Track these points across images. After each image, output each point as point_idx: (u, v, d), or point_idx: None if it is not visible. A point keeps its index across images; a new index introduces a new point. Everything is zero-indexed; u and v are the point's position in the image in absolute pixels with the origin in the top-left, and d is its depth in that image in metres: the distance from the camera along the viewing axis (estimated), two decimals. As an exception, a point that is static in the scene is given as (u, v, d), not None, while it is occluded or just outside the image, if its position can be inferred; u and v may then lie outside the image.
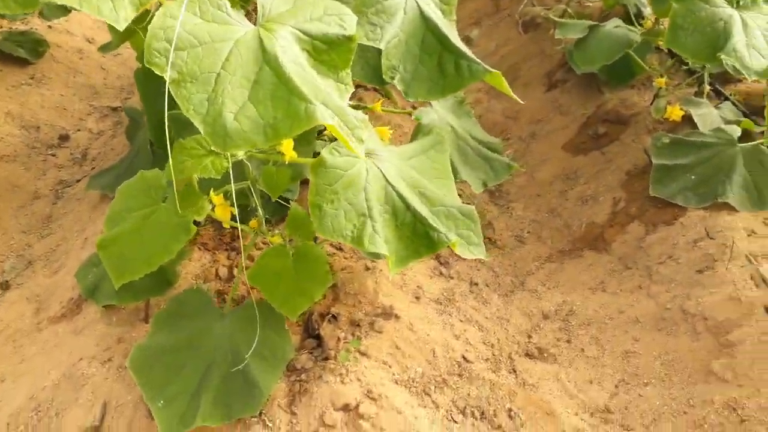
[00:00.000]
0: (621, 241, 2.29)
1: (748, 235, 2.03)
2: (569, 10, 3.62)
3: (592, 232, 2.43)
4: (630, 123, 2.69)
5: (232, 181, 1.41)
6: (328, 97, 1.25)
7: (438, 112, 2.24)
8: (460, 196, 2.80)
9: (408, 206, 1.49)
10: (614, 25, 2.61)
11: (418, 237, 1.49)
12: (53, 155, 2.92)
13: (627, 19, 3.13)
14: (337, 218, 1.39)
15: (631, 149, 2.57)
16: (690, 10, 1.95)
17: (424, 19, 1.69)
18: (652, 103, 2.68)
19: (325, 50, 1.32)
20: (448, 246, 1.54)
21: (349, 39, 1.32)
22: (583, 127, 2.87)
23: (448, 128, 2.21)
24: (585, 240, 2.42)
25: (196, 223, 1.82)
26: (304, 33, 1.29)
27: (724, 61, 1.89)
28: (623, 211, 2.39)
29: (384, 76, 1.65)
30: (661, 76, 2.57)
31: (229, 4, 1.25)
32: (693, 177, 2.20)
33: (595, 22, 2.71)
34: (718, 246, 2.01)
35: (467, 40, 4.34)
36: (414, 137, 2.09)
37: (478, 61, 1.68)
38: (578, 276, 2.29)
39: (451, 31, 1.76)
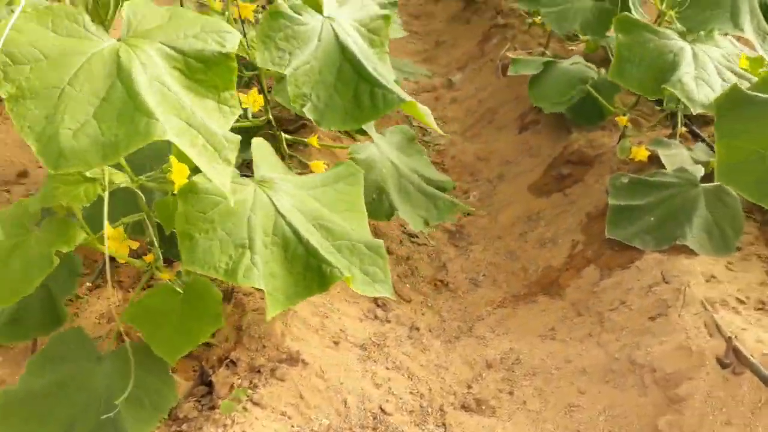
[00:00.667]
0: (575, 286, 2.13)
1: (707, 281, 1.86)
2: (548, 53, 3.55)
3: (548, 276, 2.27)
4: (594, 164, 2.56)
5: (105, 212, 1.31)
6: (193, 117, 1.16)
7: (380, 148, 2.14)
8: (416, 236, 2.69)
9: (300, 238, 1.38)
10: (572, 62, 2.51)
11: (310, 272, 1.37)
12: (7, 191, 2.87)
13: (608, 61, 3.05)
14: (211, 249, 1.28)
15: (594, 190, 2.43)
16: (637, 42, 1.85)
17: (341, 48, 1.61)
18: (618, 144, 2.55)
19: (201, 69, 1.24)
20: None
21: (227, 57, 1.24)
22: (549, 168, 2.75)
23: (389, 164, 2.11)
24: (540, 284, 2.26)
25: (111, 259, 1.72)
26: (176, 50, 1.21)
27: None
28: (580, 254, 2.24)
29: (292, 104, 1.57)
30: (624, 115, 2.45)
31: (88, 19, 1.18)
32: (652, 219, 2.05)
33: (552, 59, 2.62)
34: (673, 291, 1.84)
35: (449, 84, 4.30)
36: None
37: (394, 90, 1.59)
38: (529, 322, 2.12)
39: (374, 60, 1.67)
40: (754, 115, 1.63)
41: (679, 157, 2.39)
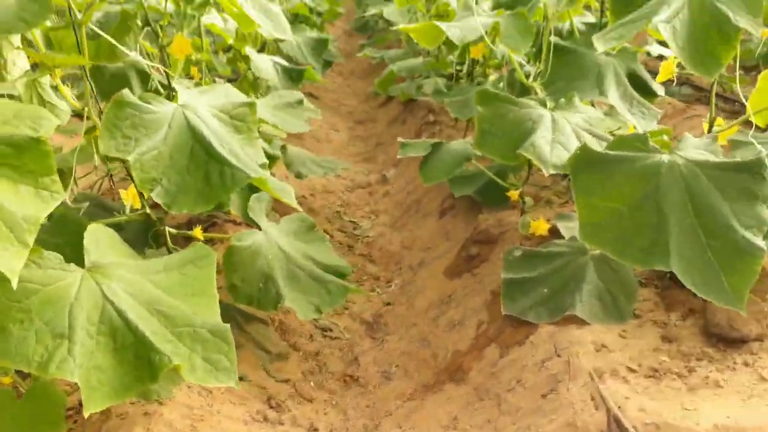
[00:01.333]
0: (478, 368, 2.03)
1: (597, 350, 1.77)
2: (469, 142, 3.66)
3: (455, 361, 2.17)
4: (499, 241, 2.54)
5: None
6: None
7: (268, 235, 2.11)
8: (330, 330, 2.60)
9: (130, 326, 1.30)
10: (461, 143, 2.57)
11: (140, 361, 1.28)
12: None
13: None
14: (26, 341, 1.20)
15: (498, 268, 2.37)
16: (498, 114, 1.90)
17: (192, 132, 1.62)
18: (523, 220, 2.55)
19: (13, 154, 1.22)
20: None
21: (39, 142, 1.23)
22: (461, 250, 2.73)
23: (277, 251, 2.08)
24: (448, 371, 2.16)
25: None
26: (-18, 136, 1.20)
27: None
28: (484, 334, 2.16)
29: (141, 189, 1.55)
30: (517, 189, 2.47)
31: None
32: (545, 290, 2.00)
33: (439, 141, 2.69)
34: (563, 364, 1.75)
35: (383, 179, 4.38)
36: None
37: (243, 167, 1.59)
38: (436, 413, 1.99)
39: (231, 143, 1.68)
40: (608, 173, 1.64)
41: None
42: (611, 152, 1.64)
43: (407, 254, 3.18)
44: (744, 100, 1.74)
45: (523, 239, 2.46)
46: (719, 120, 1.96)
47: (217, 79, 3.10)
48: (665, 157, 1.61)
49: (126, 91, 1.58)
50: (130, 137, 1.55)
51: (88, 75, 1.69)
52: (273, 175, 3.51)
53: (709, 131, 1.83)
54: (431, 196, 3.53)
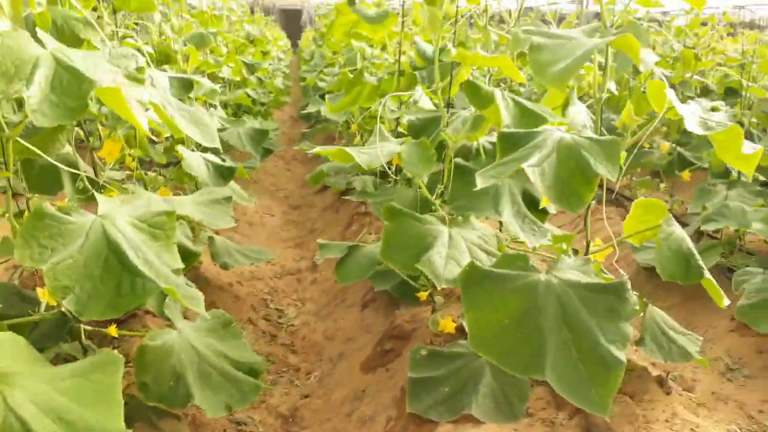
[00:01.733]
0: (379, 467, 2.12)
1: (488, 450, 1.90)
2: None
3: (361, 458, 2.25)
4: (411, 337, 2.68)
5: None
6: None
7: (182, 333, 2.19)
8: (245, 423, 2.63)
9: (26, 436, 1.35)
10: (375, 246, 2.75)
11: (32, 471, 1.32)
12: None
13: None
14: None
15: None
16: (401, 229, 2.09)
17: (108, 242, 1.72)
18: (434, 317, 2.71)
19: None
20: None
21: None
22: (377, 344, 2.85)
23: (189, 349, 2.15)
24: (353, 469, 2.23)
25: None
26: None
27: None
28: (390, 431, 2.25)
29: (53, 296, 1.63)
30: (427, 290, 2.64)
31: None
32: (446, 389, 2.13)
33: (356, 243, 2.86)
34: (456, 464, 1.87)
35: (314, 266, 4.50)
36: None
37: (154, 278, 1.68)
38: None
39: (146, 252, 1.78)
40: (494, 289, 1.82)
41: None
42: (496, 270, 1.83)
43: (329, 345, 3.27)
44: (610, 231, 1.99)
45: (434, 336, 2.61)
46: (597, 240, 2.21)
47: (148, 172, 3.21)
48: (543, 277, 1.80)
49: (46, 204, 1.67)
50: (47, 247, 1.64)
51: (10, 183, 1.78)
52: (200, 263, 3.61)
53: (586, 253, 2.06)
54: (356, 288, 3.67)
